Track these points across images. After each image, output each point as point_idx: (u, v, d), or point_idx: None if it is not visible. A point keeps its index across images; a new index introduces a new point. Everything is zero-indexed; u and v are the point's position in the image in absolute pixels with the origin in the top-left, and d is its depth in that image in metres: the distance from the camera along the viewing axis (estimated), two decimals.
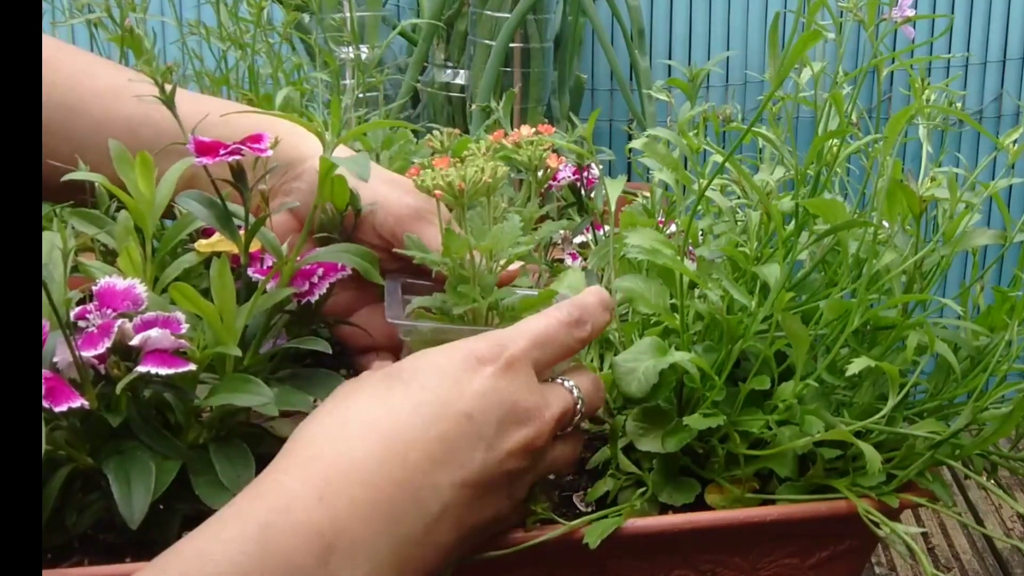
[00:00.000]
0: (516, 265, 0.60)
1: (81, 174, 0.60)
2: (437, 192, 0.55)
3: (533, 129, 0.73)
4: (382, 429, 0.48)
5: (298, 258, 0.57)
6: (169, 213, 0.61)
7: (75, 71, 0.67)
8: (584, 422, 0.56)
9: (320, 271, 0.59)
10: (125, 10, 0.81)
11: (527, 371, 0.52)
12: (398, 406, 0.49)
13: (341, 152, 0.57)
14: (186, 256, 0.60)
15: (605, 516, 0.56)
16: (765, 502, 0.59)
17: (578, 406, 0.54)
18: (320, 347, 0.59)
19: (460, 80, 1.44)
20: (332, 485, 0.45)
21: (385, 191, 0.62)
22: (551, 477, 0.61)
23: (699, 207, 0.61)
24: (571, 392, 0.54)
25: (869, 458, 0.55)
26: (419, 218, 0.62)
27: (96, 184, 0.61)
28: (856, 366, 0.54)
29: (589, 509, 0.59)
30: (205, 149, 0.54)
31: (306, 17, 1.09)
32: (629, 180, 0.73)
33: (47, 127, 0.64)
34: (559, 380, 0.55)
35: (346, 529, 0.45)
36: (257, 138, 0.55)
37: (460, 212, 0.56)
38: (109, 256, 0.61)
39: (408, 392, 0.50)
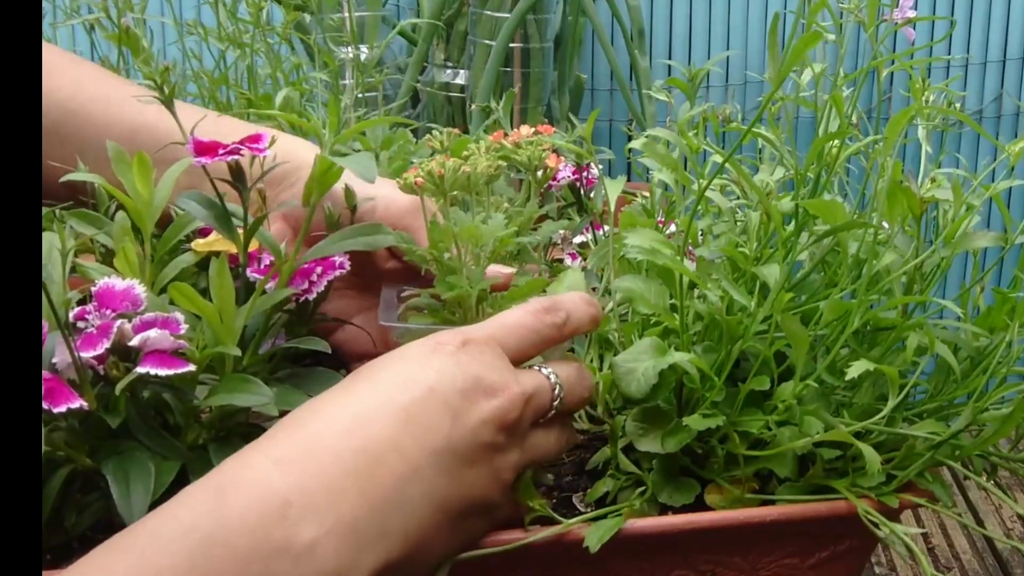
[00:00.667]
0: (510, 270, 0.60)
1: (80, 175, 0.60)
2: (418, 180, 0.56)
3: (533, 129, 0.73)
4: (346, 410, 0.48)
5: (298, 256, 0.57)
6: (162, 222, 0.61)
7: (78, 76, 0.68)
8: (576, 414, 0.56)
9: (319, 269, 0.59)
10: (122, 10, 0.81)
11: (492, 350, 0.52)
12: (362, 391, 0.49)
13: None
14: (183, 256, 0.60)
15: (604, 516, 0.56)
16: (765, 502, 0.59)
17: (555, 391, 0.54)
18: (319, 347, 0.59)
19: (460, 80, 1.44)
20: (290, 453, 0.46)
21: (383, 187, 0.63)
22: (549, 476, 0.61)
23: (699, 207, 0.61)
24: (547, 378, 0.54)
25: (868, 459, 0.55)
26: (417, 212, 0.62)
27: (95, 185, 0.61)
28: (856, 369, 0.54)
29: (588, 509, 0.59)
30: (204, 149, 0.54)
31: (306, 17, 1.09)
32: (629, 180, 0.73)
33: (47, 130, 0.64)
34: (536, 367, 0.55)
35: (305, 488, 0.45)
36: (256, 138, 0.55)
37: (443, 203, 0.56)
38: (109, 256, 0.61)
39: (372, 380, 0.50)
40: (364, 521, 0.45)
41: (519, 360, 0.54)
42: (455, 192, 0.58)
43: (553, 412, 0.54)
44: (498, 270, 0.61)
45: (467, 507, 0.50)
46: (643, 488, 0.59)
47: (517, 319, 0.54)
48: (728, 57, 1.63)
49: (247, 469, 0.45)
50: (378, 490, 0.46)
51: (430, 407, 0.49)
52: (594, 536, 0.54)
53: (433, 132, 0.72)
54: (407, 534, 0.47)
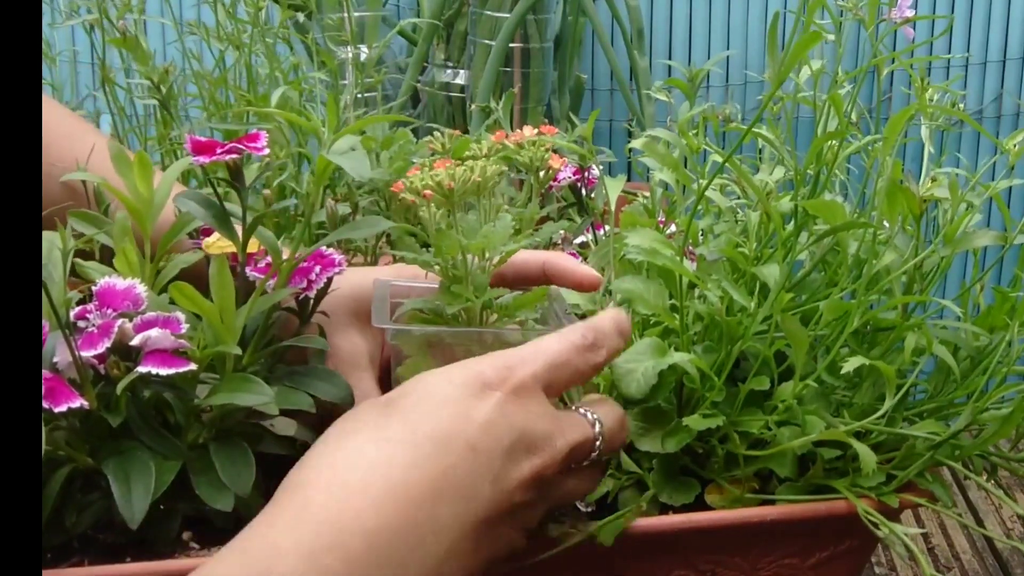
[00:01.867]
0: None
1: (80, 174, 0.60)
2: (426, 193, 0.55)
3: (536, 130, 0.73)
4: (379, 471, 0.44)
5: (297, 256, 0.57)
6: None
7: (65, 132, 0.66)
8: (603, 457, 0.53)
9: (317, 268, 0.59)
10: (122, 11, 0.81)
11: (538, 396, 0.49)
12: (396, 443, 0.45)
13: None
14: (184, 256, 0.60)
15: (617, 518, 0.55)
16: (765, 502, 0.59)
17: (597, 442, 0.51)
18: (320, 345, 0.59)
19: (460, 80, 1.44)
20: (322, 538, 0.42)
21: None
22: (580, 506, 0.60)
23: (699, 207, 0.61)
24: (592, 425, 0.51)
25: (864, 458, 0.55)
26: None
27: (95, 185, 0.61)
28: (851, 364, 0.54)
29: (589, 510, 0.59)
30: (201, 148, 0.54)
31: (299, 16, 1.09)
32: (629, 180, 0.73)
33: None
34: (582, 410, 0.52)
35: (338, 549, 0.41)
36: (254, 137, 0.55)
37: (451, 212, 0.56)
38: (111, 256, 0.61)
39: (407, 426, 0.46)
40: None
41: (554, 396, 0.51)
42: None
43: (589, 461, 0.52)
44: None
45: (492, 560, 0.48)
46: (644, 488, 0.59)
47: (562, 356, 0.50)
48: (728, 57, 1.63)
49: (277, 561, 0.41)
50: (408, 574, 0.43)
51: (469, 474, 0.45)
52: (609, 532, 0.54)
53: (434, 134, 0.72)
54: None
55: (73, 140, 0.65)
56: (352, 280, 0.62)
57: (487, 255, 0.57)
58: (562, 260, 0.63)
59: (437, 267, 0.57)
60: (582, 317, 0.64)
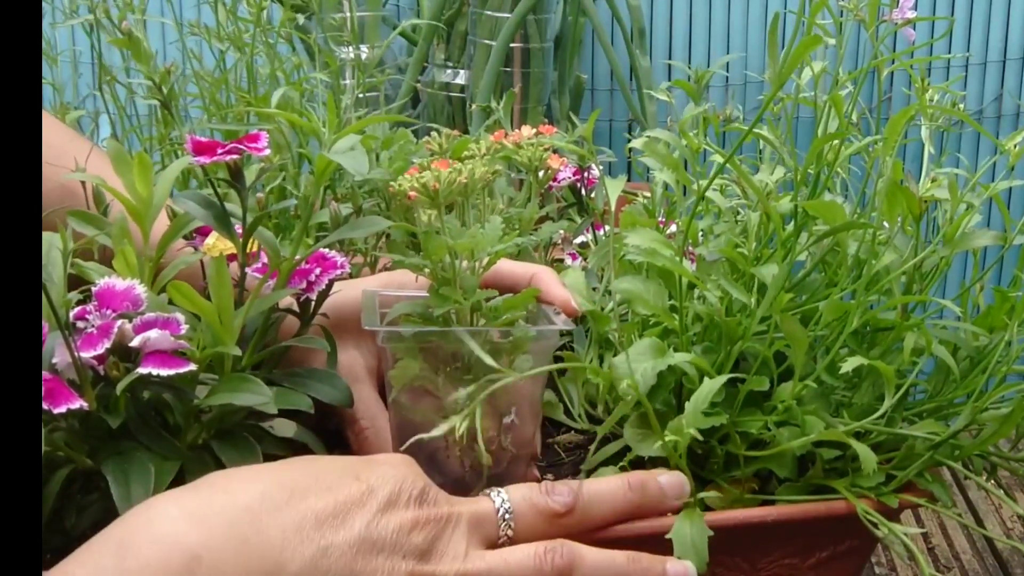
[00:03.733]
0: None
1: (79, 175, 0.60)
2: (411, 194, 0.55)
3: (534, 130, 0.73)
4: (271, 477, 0.47)
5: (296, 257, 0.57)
6: None
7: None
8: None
9: (318, 270, 0.59)
10: (123, 11, 0.80)
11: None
12: (298, 465, 0.48)
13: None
14: (183, 256, 0.60)
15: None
16: (765, 502, 0.59)
17: (501, 511, 0.51)
18: (319, 346, 0.59)
19: (460, 80, 1.45)
20: (202, 511, 0.44)
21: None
22: (548, 477, 0.60)
23: (699, 207, 0.61)
24: (492, 499, 0.51)
25: (863, 458, 0.55)
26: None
27: (93, 187, 0.61)
28: (850, 364, 0.54)
29: None
30: (202, 148, 0.54)
31: (299, 18, 1.09)
32: (629, 180, 0.73)
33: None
34: (491, 491, 0.52)
35: (214, 544, 0.43)
36: (254, 137, 0.55)
37: (438, 213, 0.56)
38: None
39: (311, 460, 0.49)
40: None
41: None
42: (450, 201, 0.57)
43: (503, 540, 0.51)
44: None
45: None
46: None
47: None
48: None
49: (153, 523, 0.43)
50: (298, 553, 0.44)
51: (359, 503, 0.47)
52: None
53: (432, 134, 0.72)
54: None
55: (68, 156, 0.65)
56: (347, 293, 0.63)
57: (476, 256, 0.57)
58: (545, 280, 0.64)
59: (427, 269, 0.57)
60: (582, 318, 0.64)
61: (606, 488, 0.54)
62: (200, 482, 0.46)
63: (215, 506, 0.44)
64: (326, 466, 0.49)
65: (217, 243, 0.60)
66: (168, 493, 0.46)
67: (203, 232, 0.62)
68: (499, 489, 0.52)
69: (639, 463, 0.59)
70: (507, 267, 0.64)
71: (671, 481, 0.55)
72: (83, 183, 0.62)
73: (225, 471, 0.48)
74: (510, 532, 0.51)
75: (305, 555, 0.44)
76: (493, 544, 0.50)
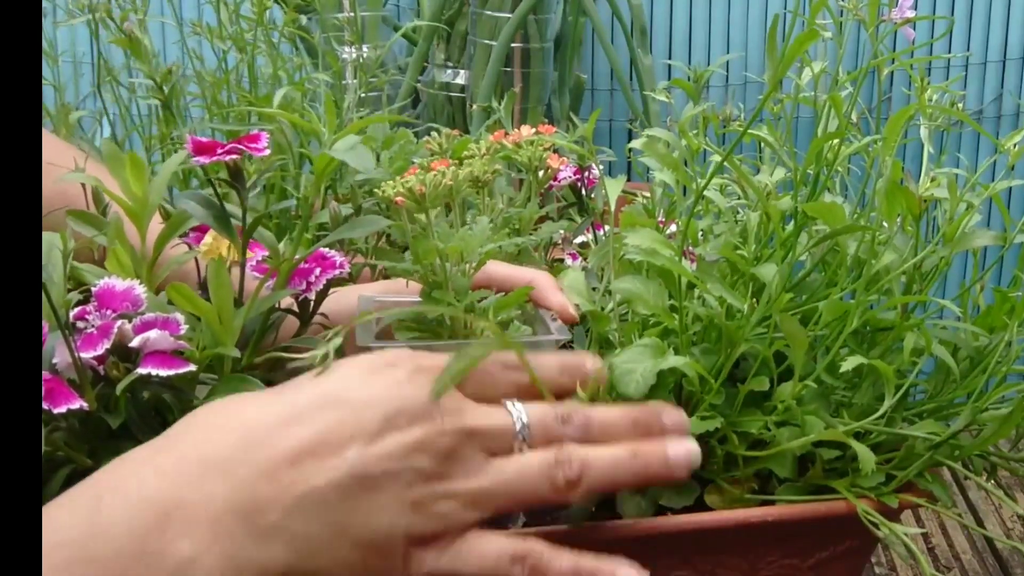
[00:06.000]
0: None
1: (77, 175, 0.60)
2: (398, 200, 0.55)
3: (534, 129, 0.73)
4: (247, 422, 0.46)
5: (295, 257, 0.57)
6: None
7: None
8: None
9: (317, 270, 0.59)
10: (126, 11, 0.80)
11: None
12: (271, 404, 0.47)
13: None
14: (179, 255, 0.60)
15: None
16: (765, 503, 0.59)
17: (518, 427, 0.49)
18: (320, 348, 0.58)
19: (460, 80, 1.44)
20: (175, 467, 0.44)
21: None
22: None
23: (698, 207, 0.61)
24: (510, 412, 0.49)
25: (862, 458, 0.55)
26: None
27: (92, 188, 0.61)
28: (850, 364, 0.54)
29: (590, 510, 0.59)
30: (202, 148, 0.54)
31: (303, 18, 1.09)
32: (629, 180, 0.73)
33: None
34: (507, 402, 0.50)
35: (184, 500, 0.43)
36: (255, 137, 0.55)
37: (425, 217, 0.55)
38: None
39: (286, 393, 0.47)
40: (247, 549, 0.43)
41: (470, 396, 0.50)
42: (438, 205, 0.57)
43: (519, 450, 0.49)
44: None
45: (368, 535, 0.45)
46: (644, 490, 0.59)
47: (484, 364, 0.50)
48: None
49: (128, 477, 0.44)
50: (257, 506, 0.44)
51: (338, 431, 0.45)
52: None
53: (432, 134, 0.72)
54: (295, 558, 0.44)
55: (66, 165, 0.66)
56: (343, 299, 0.63)
57: (465, 258, 0.57)
58: (543, 285, 0.63)
59: (417, 274, 0.57)
60: (582, 318, 0.64)
61: (612, 422, 0.52)
62: (177, 431, 0.46)
63: (188, 458, 0.44)
64: (310, 392, 0.47)
65: (215, 243, 0.60)
66: (144, 446, 0.46)
67: (200, 231, 0.62)
68: (515, 402, 0.50)
69: None
70: (504, 271, 0.64)
71: (674, 420, 0.53)
72: (83, 186, 0.62)
73: (205, 415, 0.47)
74: (524, 448, 0.49)
75: (285, 502, 0.44)
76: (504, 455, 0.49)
